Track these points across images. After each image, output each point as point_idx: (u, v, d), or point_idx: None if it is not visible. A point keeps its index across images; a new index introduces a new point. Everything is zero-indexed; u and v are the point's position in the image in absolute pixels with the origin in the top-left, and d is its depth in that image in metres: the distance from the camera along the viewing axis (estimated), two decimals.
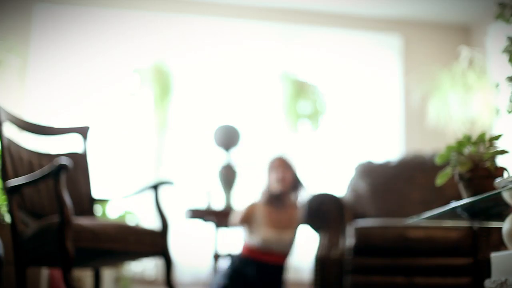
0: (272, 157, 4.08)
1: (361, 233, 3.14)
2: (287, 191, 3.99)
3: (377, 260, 3.11)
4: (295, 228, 3.92)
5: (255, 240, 3.89)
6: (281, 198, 3.98)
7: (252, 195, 4.10)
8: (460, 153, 2.06)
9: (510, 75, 2.04)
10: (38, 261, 2.63)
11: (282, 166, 4.01)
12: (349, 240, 3.21)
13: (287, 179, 3.98)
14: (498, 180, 1.84)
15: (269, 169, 4.06)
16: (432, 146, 4.77)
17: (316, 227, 3.41)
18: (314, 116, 5.15)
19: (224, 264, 4.09)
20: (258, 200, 4.01)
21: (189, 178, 5.01)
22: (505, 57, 2.07)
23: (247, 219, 3.95)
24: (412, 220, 2.49)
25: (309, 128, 5.17)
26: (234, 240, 4.46)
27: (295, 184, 4.02)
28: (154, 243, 2.68)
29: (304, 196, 3.94)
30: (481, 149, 2.04)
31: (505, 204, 1.91)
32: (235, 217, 3.99)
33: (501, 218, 2.10)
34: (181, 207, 4.51)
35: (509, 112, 2.03)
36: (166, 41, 5.12)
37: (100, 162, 4.79)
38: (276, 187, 3.96)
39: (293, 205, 3.99)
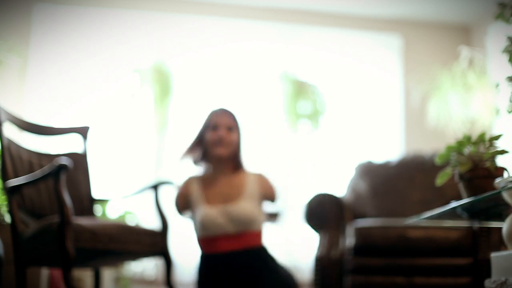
0: (211, 109, 3.14)
1: (361, 233, 3.14)
2: (230, 156, 3.06)
3: (377, 260, 3.11)
4: (250, 197, 3.00)
5: (197, 223, 2.98)
6: (221, 166, 3.07)
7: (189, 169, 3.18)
8: (460, 153, 2.06)
9: (510, 75, 2.03)
10: (38, 261, 2.63)
11: (225, 122, 3.07)
12: (349, 240, 3.21)
13: (231, 141, 3.05)
14: (498, 180, 1.84)
15: (205, 125, 3.09)
16: (432, 146, 4.77)
17: (316, 227, 3.41)
18: (314, 116, 5.15)
19: None
20: (194, 174, 3.13)
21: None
22: (505, 57, 2.07)
23: (185, 203, 3.07)
24: (412, 220, 2.49)
25: (309, 128, 5.17)
26: None
27: (239, 148, 3.09)
28: (154, 243, 2.68)
29: (253, 161, 3.14)
30: (481, 149, 2.04)
31: (505, 204, 1.91)
32: (174, 204, 3.11)
33: (501, 218, 2.10)
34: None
35: (509, 112, 2.03)
36: (166, 41, 5.12)
37: (100, 162, 4.79)
38: (213, 150, 3.03)
39: (242, 172, 3.09)
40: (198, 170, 3.14)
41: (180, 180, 3.11)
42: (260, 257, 2.95)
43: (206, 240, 2.96)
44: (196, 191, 3.05)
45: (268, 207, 3.26)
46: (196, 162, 3.13)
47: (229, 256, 2.91)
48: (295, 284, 2.97)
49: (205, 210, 2.95)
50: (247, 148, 3.14)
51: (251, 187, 3.03)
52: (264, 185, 3.08)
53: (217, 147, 3.02)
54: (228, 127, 3.07)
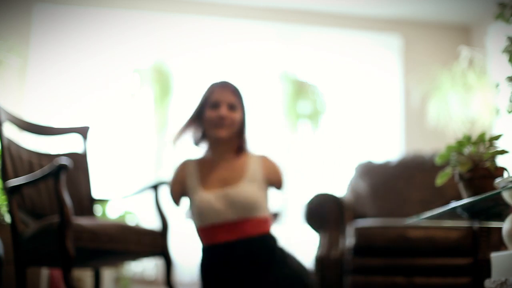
0: (211, 83, 2.77)
1: (361, 233, 3.14)
2: (231, 138, 2.72)
3: (377, 260, 3.11)
4: (252, 179, 2.67)
5: (194, 211, 2.67)
6: (221, 148, 2.74)
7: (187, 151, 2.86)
8: (460, 153, 2.06)
9: (510, 75, 2.03)
10: (38, 261, 2.63)
11: (226, 99, 2.71)
12: (349, 240, 3.21)
13: (233, 121, 2.69)
14: (498, 180, 1.84)
15: (204, 102, 2.73)
16: (432, 146, 4.77)
17: (316, 227, 3.41)
18: (314, 116, 5.15)
19: None
20: (190, 157, 2.81)
21: None
22: (505, 57, 2.07)
23: (181, 189, 2.74)
24: (412, 220, 2.49)
25: (309, 128, 5.17)
26: None
27: (243, 129, 2.75)
28: (154, 243, 2.68)
29: (250, 148, 2.77)
30: (481, 149, 2.04)
31: (505, 204, 1.91)
32: (169, 192, 2.79)
33: (501, 218, 2.10)
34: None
35: (509, 112, 2.03)
36: (166, 41, 5.12)
37: (100, 162, 4.79)
38: (213, 131, 2.70)
39: (244, 155, 2.76)
40: (194, 152, 2.80)
41: (174, 164, 2.80)
42: (266, 247, 2.60)
43: (205, 229, 2.63)
44: (192, 176, 2.72)
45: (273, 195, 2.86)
46: (194, 142, 2.80)
47: (230, 247, 2.58)
48: (307, 278, 2.63)
49: (202, 196, 2.63)
50: (251, 128, 2.79)
51: (253, 169, 2.69)
52: (269, 168, 2.74)
53: (218, 128, 2.67)
54: (230, 104, 2.70)
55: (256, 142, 2.79)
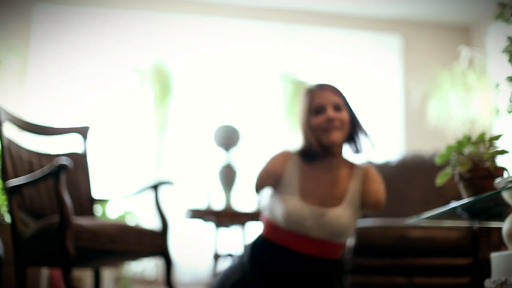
0: (310, 86, 2.54)
1: (361, 233, 3.14)
2: (341, 141, 2.49)
3: (377, 260, 3.11)
4: (351, 203, 2.45)
5: (279, 211, 2.44)
6: (330, 154, 2.49)
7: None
8: (460, 153, 2.06)
9: (510, 75, 2.03)
10: (38, 261, 2.63)
11: (330, 100, 2.47)
12: (349, 240, 3.21)
13: (343, 121, 2.47)
14: (498, 180, 1.84)
15: (305, 112, 2.49)
16: (432, 146, 4.77)
17: None
18: None
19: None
20: (294, 149, 2.56)
21: (189, 178, 5.01)
22: (505, 57, 2.07)
23: (274, 175, 2.49)
24: (412, 220, 2.49)
25: None
26: (235, 239, 4.46)
27: (354, 129, 2.54)
28: (154, 243, 2.68)
29: (367, 151, 2.57)
30: (481, 149, 2.04)
31: (505, 204, 1.91)
32: (257, 177, 2.53)
33: (501, 218, 2.10)
34: (181, 207, 4.51)
35: (509, 112, 2.03)
36: (166, 41, 5.12)
37: (100, 162, 4.79)
38: (324, 137, 2.45)
39: (347, 168, 2.53)
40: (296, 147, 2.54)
41: (273, 151, 2.55)
42: (332, 271, 2.46)
43: (283, 231, 2.41)
44: (293, 173, 2.47)
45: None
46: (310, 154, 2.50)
47: (301, 258, 2.39)
48: None
49: (297, 205, 2.40)
50: (364, 131, 2.54)
51: (354, 190, 2.46)
52: (370, 187, 2.48)
53: (328, 132, 2.42)
54: (335, 105, 2.47)
55: (370, 146, 2.57)
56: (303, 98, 2.51)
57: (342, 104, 2.49)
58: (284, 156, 2.51)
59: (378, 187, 2.49)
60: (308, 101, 2.48)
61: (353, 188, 2.46)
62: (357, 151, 2.54)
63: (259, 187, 2.51)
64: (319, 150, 2.46)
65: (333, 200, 2.44)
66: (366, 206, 2.49)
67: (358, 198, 2.47)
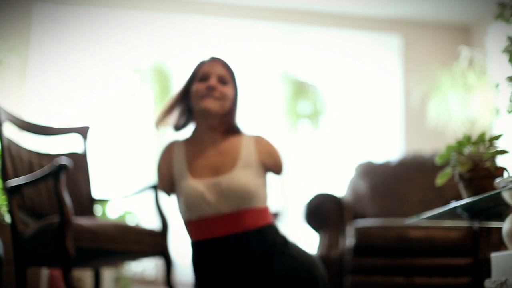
0: (200, 60, 2.49)
1: (361, 233, 3.15)
2: (221, 114, 2.40)
3: (377, 260, 3.11)
4: (247, 165, 2.34)
5: (182, 202, 2.33)
6: (210, 128, 2.41)
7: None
8: (460, 153, 2.06)
9: (510, 75, 2.04)
10: (38, 261, 2.63)
11: (217, 72, 2.42)
12: (349, 240, 3.21)
13: (224, 94, 2.40)
14: (498, 180, 1.84)
15: (191, 77, 2.45)
16: (432, 146, 4.77)
17: (316, 227, 3.41)
18: (314, 116, 5.16)
19: None
20: (178, 138, 2.47)
21: None
22: (505, 57, 2.07)
23: (169, 176, 2.40)
24: (412, 220, 2.49)
25: (309, 128, 5.17)
26: None
27: (233, 107, 2.46)
28: (154, 243, 2.68)
29: (248, 124, 2.50)
30: (481, 149, 2.04)
31: (505, 204, 1.91)
32: (157, 179, 2.46)
33: (501, 218, 2.10)
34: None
35: (509, 112, 2.03)
36: (166, 41, 5.12)
37: (100, 162, 4.80)
38: (200, 103, 2.37)
39: (236, 136, 2.45)
40: (181, 135, 2.48)
41: (160, 147, 2.40)
42: (266, 239, 2.27)
43: (195, 222, 2.30)
44: (179, 159, 2.38)
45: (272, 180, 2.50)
46: (177, 125, 2.48)
47: (224, 242, 2.25)
48: (314, 268, 2.26)
49: (191, 184, 2.29)
50: (244, 108, 2.50)
51: (247, 152, 2.37)
52: (264, 150, 2.41)
53: (206, 98, 2.35)
54: (220, 77, 2.42)
55: (248, 122, 2.52)
56: (193, 68, 2.47)
57: (228, 79, 2.43)
58: (169, 145, 2.45)
59: (273, 150, 2.43)
60: (195, 69, 2.45)
61: (245, 152, 2.36)
62: (232, 126, 2.45)
63: (164, 186, 2.42)
64: (201, 120, 2.39)
65: (224, 166, 2.33)
66: (268, 169, 2.40)
67: (256, 161, 2.36)
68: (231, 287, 2.26)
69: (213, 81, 2.37)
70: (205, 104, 2.35)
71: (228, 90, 2.41)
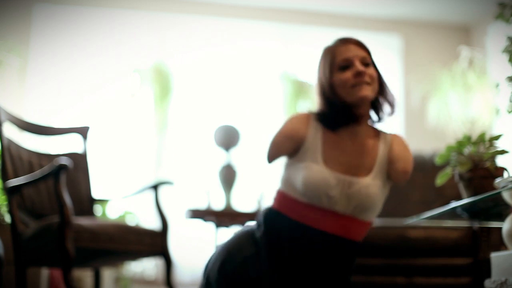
0: (327, 45, 2.21)
1: None
2: (370, 100, 2.15)
3: (377, 260, 3.11)
4: (379, 174, 2.14)
5: (299, 180, 2.09)
6: (355, 120, 2.15)
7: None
8: (460, 153, 2.06)
9: (510, 75, 2.04)
10: (38, 261, 2.63)
11: (358, 54, 2.14)
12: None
13: (373, 76, 2.13)
14: (498, 180, 1.84)
15: (327, 68, 2.14)
16: (432, 146, 4.77)
17: None
18: None
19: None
20: (314, 113, 2.18)
21: (189, 178, 5.01)
22: (505, 57, 2.07)
23: (294, 139, 2.12)
24: (412, 220, 2.49)
25: None
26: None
27: (381, 90, 2.20)
28: (154, 243, 2.68)
29: (388, 118, 2.28)
30: (481, 149, 2.04)
31: (505, 204, 1.91)
32: (270, 144, 2.16)
33: (501, 218, 2.10)
34: (181, 207, 4.51)
35: (509, 112, 2.03)
36: (166, 41, 5.12)
37: (100, 162, 4.80)
38: (353, 93, 2.09)
39: (373, 135, 2.23)
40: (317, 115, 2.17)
41: (292, 115, 2.19)
42: (353, 256, 2.17)
43: (303, 205, 2.08)
44: (314, 139, 2.12)
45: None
46: (331, 125, 2.15)
47: (322, 237, 2.06)
48: None
49: (322, 172, 2.07)
50: (391, 93, 2.23)
51: (382, 157, 2.17)
52: (399, 154, 2.20)
53: (359, 86, 2.08)
54: (362, 59, 2.14)
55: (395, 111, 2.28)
56: (323, 57, 2.17)
57: (369, 60, 2.15)
58: (305, 119, 2.16)
59: (408, 154, 2.22)
60: (330, 58, 2.14)
61: (381, 157, 2.16)
62: (379, 117, 2.24)
63: (273, 155, 2.16)
64: (343, 114, 2.12)
65: (362, 169, 2.11)
66: (391, 176, 2.17)
67: (386, 168, 2.16)
68: (298, 276, 2.09)
69: (358, 65, 2.09)
70: (361, 92, 2.08)
71: (373, 71, 2.14)
